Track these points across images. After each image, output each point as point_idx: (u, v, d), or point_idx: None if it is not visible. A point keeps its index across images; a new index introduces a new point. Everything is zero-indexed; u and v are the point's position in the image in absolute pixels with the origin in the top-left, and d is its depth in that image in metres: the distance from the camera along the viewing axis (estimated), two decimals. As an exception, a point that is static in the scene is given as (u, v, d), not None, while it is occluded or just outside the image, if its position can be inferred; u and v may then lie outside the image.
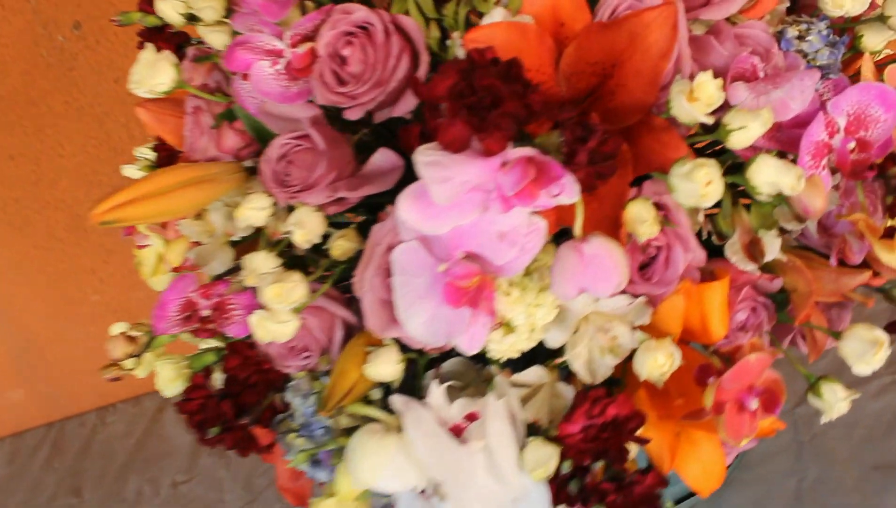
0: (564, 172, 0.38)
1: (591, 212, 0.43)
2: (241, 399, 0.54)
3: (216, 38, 0.55)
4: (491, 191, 0.39)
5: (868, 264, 0.49)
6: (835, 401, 0.49)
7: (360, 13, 0.46)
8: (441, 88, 0.37)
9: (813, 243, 0.52)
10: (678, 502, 0.68)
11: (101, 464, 1.16)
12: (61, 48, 1.09)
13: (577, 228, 0.40)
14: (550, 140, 0.41)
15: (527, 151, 0.39)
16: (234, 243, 0.55)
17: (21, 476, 1.21)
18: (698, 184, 0.38)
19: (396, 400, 0.42)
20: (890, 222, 0.49)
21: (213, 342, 0.57)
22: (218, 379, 0.55)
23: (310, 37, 0.47)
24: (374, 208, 0.53)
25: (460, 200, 0.39)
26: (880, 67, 0.51)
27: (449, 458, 0.41)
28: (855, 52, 0.51)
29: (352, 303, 0.54)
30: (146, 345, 0.52)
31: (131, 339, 0.51)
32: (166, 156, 0.66)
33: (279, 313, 0.46)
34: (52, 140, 1.14)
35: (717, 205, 0.47)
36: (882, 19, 0.48)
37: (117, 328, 0.56)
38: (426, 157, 0.38)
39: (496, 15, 0.44)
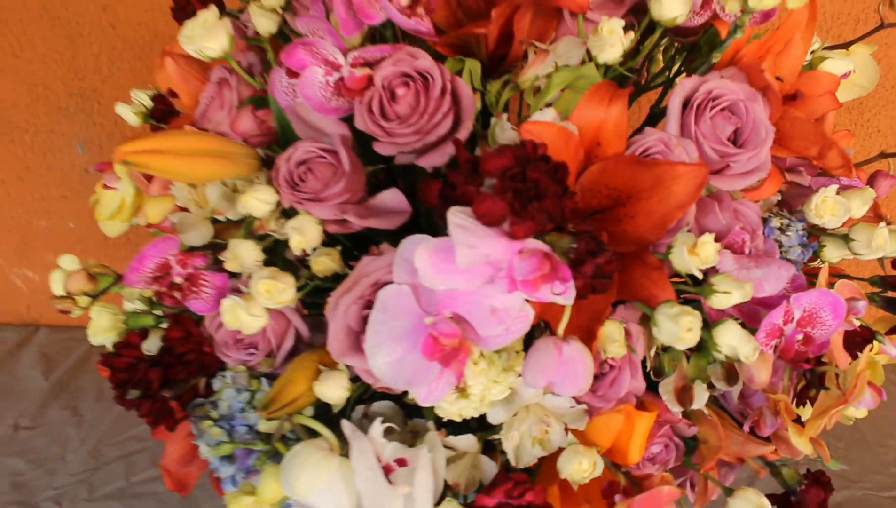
0: (570, 277, 0.42)
1: (570, 319, 0.47)
2: (170, 372, 0.54)
3: (264, 23, 0.57)
4: (502, 270, 0.43)
5: (771, 439, 0.55)
6: (707, 550, 0.54)
7: (426, 62, 0.49)
8: (496, 165, 0.41)
9: (730, 406, 0.58)
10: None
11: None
12: (62, -46, 1.06)
13: (561, 328, 0.44)
14: (561, 243, 0.45)
15: (545, 246, 0.42)
16: (214, 221, 0.56)
17: None
18: (681, 328, 0.43)
19: (346, 426, 0.44)
20: (798, 410, 0.56)
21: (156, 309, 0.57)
22: (151, 345, 0.55)
23: (371, 64, 0.50)
24: (360, 240, 0.56)
25: (474, 270, 0.42)
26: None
27: (377, 494, 0.44)
28: (812, 257, 0.58)
29: (306, 320, 0.56)
30: (105, 289, 0.52)
31: (92, 278, 0.51)
32: (162, 110, 0.66)
33: (254, 307, 0.48)
34: (13, 38, 1.10)
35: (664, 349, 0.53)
36: (846, 240, 0.55)
37: (66, 261, 0.56)
38: (459, 219, 0.41)
39: (547, 115, 0.48)
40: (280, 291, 0.46)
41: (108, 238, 0.98)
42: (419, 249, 0.42)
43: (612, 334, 0.46)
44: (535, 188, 0.41)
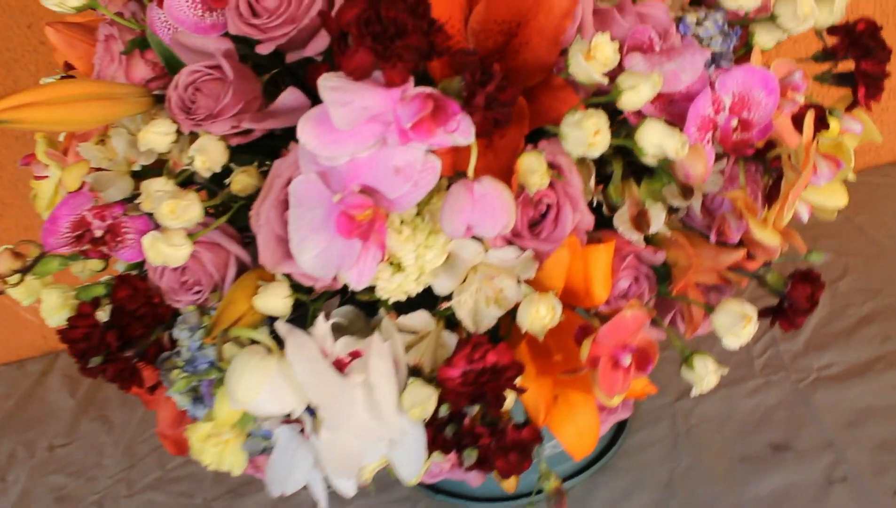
0: (460, 109, 0.40)
1: (486, 162, 0.45)
2: (127, 331, 0.53)
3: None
4: (390, 124, 0.40)
5: (744, 244, 0.52)
6: (705, 373, 0.51)
7: (280, -52, 0.47)
8: (348, 15, 0.39)
9: (696, 223, 0.55)
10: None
11: (-25, 425, 1.11)
12: None
13: (471, 169, 0.42)
14: (452, 85, 0.42)
15: (426, 89, 0.40)
16: (135, 175, 0.55)
17: None
18: (587, 132, 0.40)
19: (280, 326, 0.43)
20: (767, 212, 0.53)
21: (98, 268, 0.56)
22: (106, 313, 0.55)
23: (228, -33, 0.48)
24: (276, 153, 0.54)
25: (359, 129, 0.40)
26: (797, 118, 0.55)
27: (328, 386, 0.42)
28: (748, 50, 0.55)
29: (247, 246, 0.55)
30: (33, 263, 0.51)
31: (18, 255, 0.50)
32: (73, 88, 0.65)
33: (173, 236, 0.46)
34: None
35: (608, 181, 0.50)
36: (773, 18, 0.52)
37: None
38: (329, 81, 0.39)
39: (413, -38, 0.45)
40: (184, 208, 0.45)
41: None
42: (300, 123, 0.40)
43: (531, 165, 0.43)
44: (394, 26, 0.38)
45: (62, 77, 0.65)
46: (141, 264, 0.55)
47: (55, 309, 0.56)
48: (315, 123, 0.40)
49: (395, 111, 0.40)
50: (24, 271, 0.51)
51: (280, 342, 0.45)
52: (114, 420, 1.03)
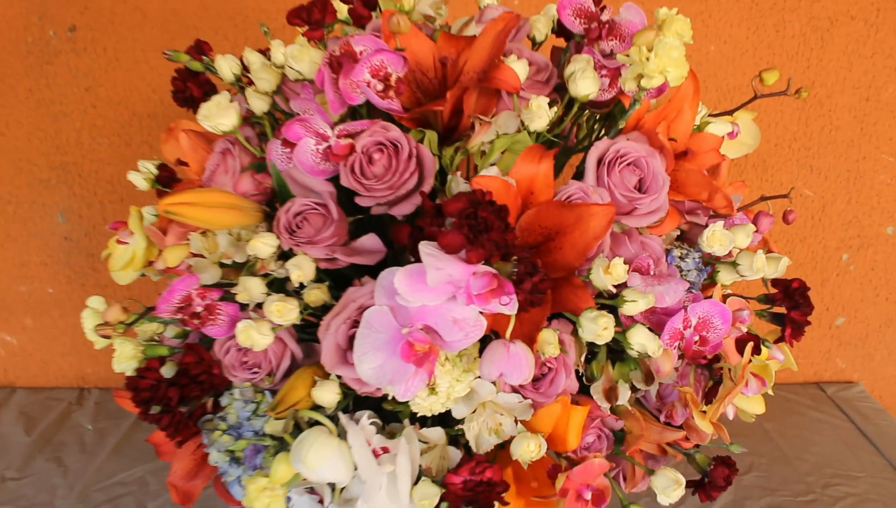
0: (514, 292, 0.58)
1: (515, 328, 0.63)
2: (185, 390, 0.68)
3: (258, 104, 0.73)
4: (461, 288, 0.58)
5: (683, 427, 0.71)
6: (637, 522, 0.69)
7: (396, 133, 0.65)
8: (455, 207, 0.57)
9: (650, 405, 0.73)
10: None
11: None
12: (47, 42, 1.21)
13: (508, 333, 0.60)
14: (505, 268, 0.61)
15: (492, 269, 0.58)
16: (222, 265, 0.70)
17: None
18: (599, 327, 0.59)
19: (342, 417, 0.59)
20: (706, 407, 0.72)
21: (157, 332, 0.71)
22: (166, 371, 0.69)
23: (352, 134, 0.66)
24: (338, 279, 0.70)
25: (439, 287, 0.58)
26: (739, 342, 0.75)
27: (369, 468, 0.58)
28: (712, 281, 0.75)
29: (299, 344, 0.71)
30: (137, 319, 0.66)
31: (125, 310, 0.65)
32: (166, 176, 0.81)
33: (262, 326, 0.62)
34: (1, 119, 1.24)
35: (592, 358, 0.69)
36: (734, 265, 0.72)
37: (95, 301, 0.70)
38: (428, 249, 0.57)
39: (492, 171, 0.64)
40: (288, 310, 0.61)
41: (83, 305, 1.13)
42: (399, 273, 0.58)
43: (548, 338, 0.61)
44: (485, 224, 0.57)
45: (160, 165, 0.81)
46: (210, 340, 0.70)
47: (127, 358, 0.70)
48: (409, 275, 0.57)
49: (468, 281, 0.57)
50: (129, 324, 0.66)
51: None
52: (69, 465, 1.12)
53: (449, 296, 0.58)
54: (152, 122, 1.24)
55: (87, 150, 1.25)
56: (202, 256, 0.70)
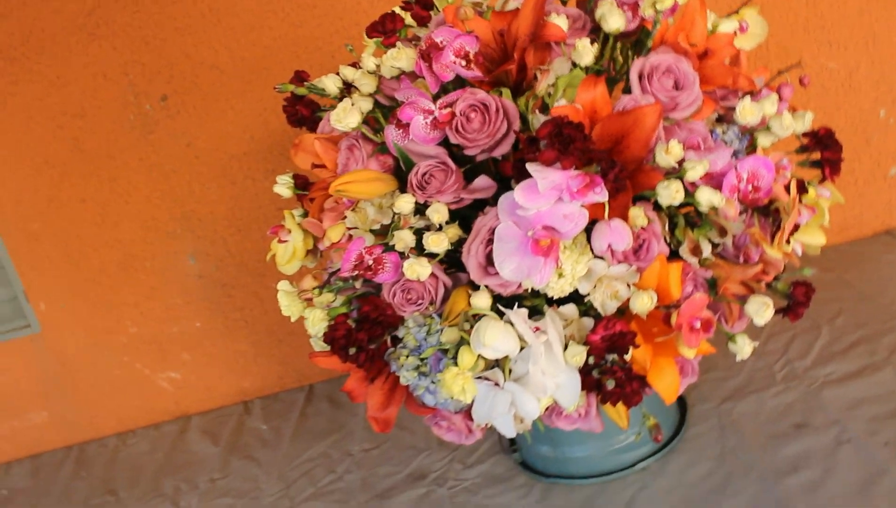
0: (602, 183, 0.82)
1: (610, 212, 0.87)
2: (371, 332, 0.93)
3: (363, 105, 0.98)
4: (563, 190, 0.82)
5: (759, 263, 0.94)
6: (743, 345, 0.92)
7: (482, 95, 0.90)
8: (544, 131, 0.81)
9: (728, 255, 0.97)
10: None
11: (132, 473, 1.47)
12: (146, 115, 1.49)
13: (606, 214, 0.84)
14: (592, 168, 0.85)
15: (581, 171, 0.82)
16: (373, 232, 0.96)
17: (47, 486, 1.49)
18: (672, 191, 0.83)
19: (504, 309, 0.84)
20: (771, 246, 0.95)
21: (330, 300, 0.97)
22: (352, 322, 0.95)
23: (450, 104, 0.91)
24: (462, 221, 0.95)
25: (548, 192, 0.82)
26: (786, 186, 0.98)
27: (530, 338, 0.82)
28: (753, 148, 0.98)
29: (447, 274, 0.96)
30: (325, 282, 0.92)
31: (316, 277, 0.91)
32: (303, 182, 1.08)
33: (422, 261, 0.87)
34: (122, 189, 1.52)
35: (673, 230, 0.92)
36: (768, 129, 0.95)
37: (284, 285, 0.97)
38: (534, 167, 0.81)
39: (562, 102, 0.89)
40: (441, 240, 0.86)
41: (228, 329, 1.43)
42: (517, 189, 0.82)
43: (637, 214, 0.85)
44: (569, 138, 0.81)
45: (294, 175, 1.08)
46: (378, 288, 0.96)
47: (318, 321, 0.96)
48: (523, 189, 0.82)
49: (568, 182, 0.82)
50: (321, 287, 0.92)
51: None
52: (259, 458, 1.40)
53: (556, 198, 0.83)
54: (247, 159, 1.52)
55: (199, 197, 1.53)
56: (356, 228, 0.96)
